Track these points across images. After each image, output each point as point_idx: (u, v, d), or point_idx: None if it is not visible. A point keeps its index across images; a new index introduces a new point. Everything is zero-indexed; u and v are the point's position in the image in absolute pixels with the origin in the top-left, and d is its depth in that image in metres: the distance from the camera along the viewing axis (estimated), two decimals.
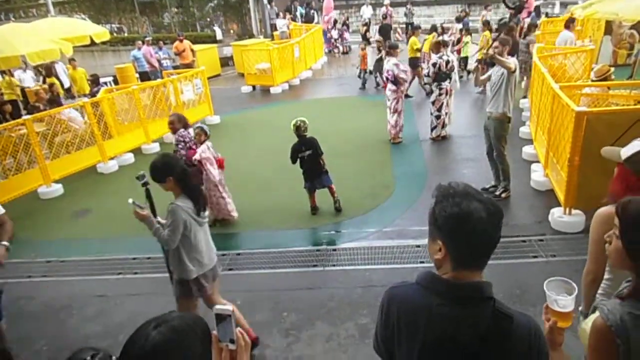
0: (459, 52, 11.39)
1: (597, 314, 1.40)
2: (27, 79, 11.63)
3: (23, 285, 4.75)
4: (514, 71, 5.07)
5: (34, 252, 5.35)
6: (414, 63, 10.58)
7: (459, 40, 11.74)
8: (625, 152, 2.06)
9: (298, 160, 5.47)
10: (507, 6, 6.39)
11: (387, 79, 7.53)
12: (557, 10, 18.88)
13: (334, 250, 4.90)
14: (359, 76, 11.97)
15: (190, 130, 5.36)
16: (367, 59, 11.80)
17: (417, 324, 1.33)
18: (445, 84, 7.45)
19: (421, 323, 1.32)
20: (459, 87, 8.13)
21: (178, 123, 5.31)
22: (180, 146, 5.28)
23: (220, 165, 5.31)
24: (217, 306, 1.21)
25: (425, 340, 1.31)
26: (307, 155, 5.39)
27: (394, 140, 7.74)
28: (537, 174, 5.87)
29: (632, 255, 1.37)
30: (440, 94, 7.50)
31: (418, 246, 4.74)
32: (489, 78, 5.42)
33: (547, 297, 1.48)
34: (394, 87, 7.45)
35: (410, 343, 1.36)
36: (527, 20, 12.08)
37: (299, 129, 5.38)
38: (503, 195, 5.53)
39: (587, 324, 1.45)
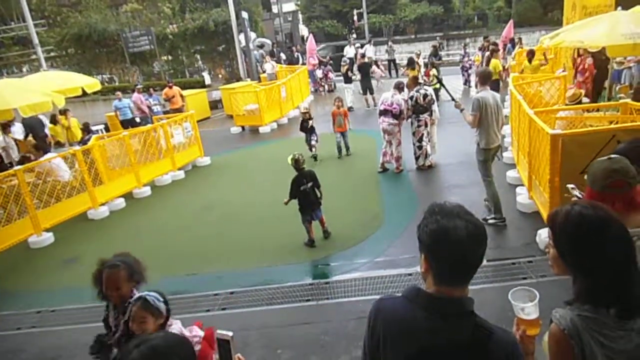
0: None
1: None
2: (17, 132, 11.85)
3: (12, 338, 4.65)
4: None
5: (24, 304, 5.26)
6: (494, 86, 9.45)
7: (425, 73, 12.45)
8: None
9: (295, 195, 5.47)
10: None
11: (387, 111, 7.73)
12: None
13: (327, 283, 4.90)
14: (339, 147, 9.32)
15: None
16: (348, 119, 9.17)
17: (401, 335, 1.39)
18: (424, 116, 7.74)
19: (405, 335, 1.38)
20: (439, 115, 8.42)
21: (132, 278, 2.55)
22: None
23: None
24: (218, 331, 1.27)
25: (408, 351, 1.36)
26: (309, 187, 5.48)
27: (398, 169, 7.93)
28: (522, 197, 5.99)
29: (565, 261, 1.49)
30: (419, 126, 7.77)
31: (410, 274, 4.76)
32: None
33: (514, 307, 1.55)
34: (395, 121, 7.71)
35: (394, 354, 1.40)
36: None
37: (297, 162, 5.48)
38: (491, 222, 5.46)
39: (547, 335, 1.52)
